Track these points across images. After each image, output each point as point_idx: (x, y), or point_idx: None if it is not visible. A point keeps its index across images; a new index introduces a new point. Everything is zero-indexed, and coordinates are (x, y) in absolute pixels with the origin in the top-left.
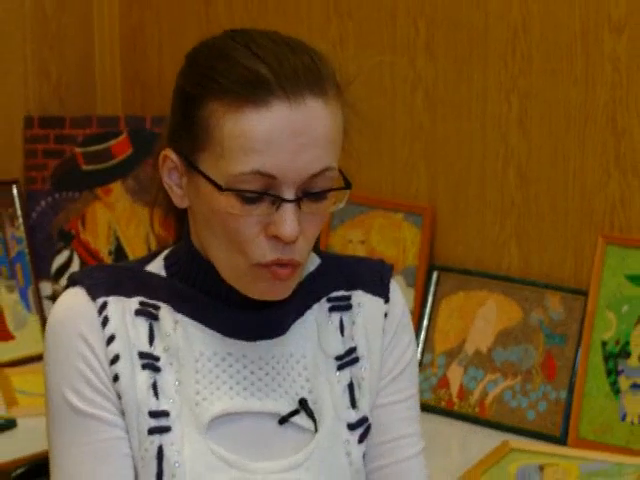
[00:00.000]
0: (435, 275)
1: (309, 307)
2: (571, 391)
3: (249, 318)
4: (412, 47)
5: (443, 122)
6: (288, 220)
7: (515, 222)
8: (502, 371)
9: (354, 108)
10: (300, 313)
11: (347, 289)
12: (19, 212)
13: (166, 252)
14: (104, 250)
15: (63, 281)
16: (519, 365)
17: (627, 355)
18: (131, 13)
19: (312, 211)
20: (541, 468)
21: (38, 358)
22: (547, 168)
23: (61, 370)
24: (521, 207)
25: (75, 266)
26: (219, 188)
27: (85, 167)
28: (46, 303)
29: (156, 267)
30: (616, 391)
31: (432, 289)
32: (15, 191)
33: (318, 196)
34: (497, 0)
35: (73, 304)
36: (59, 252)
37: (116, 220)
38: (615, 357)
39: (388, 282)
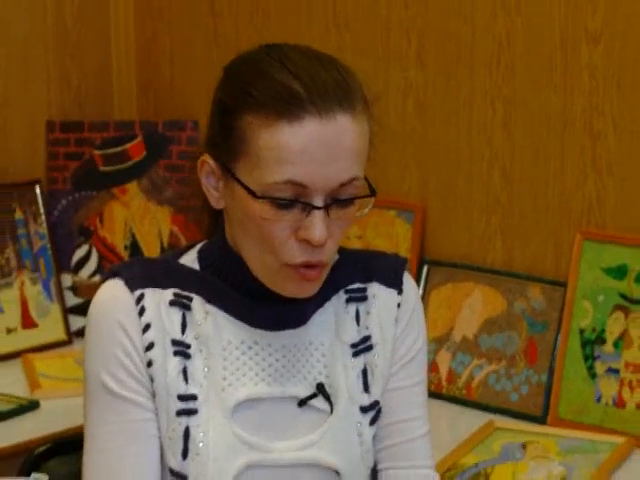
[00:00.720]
0: (425, 268)
1: (328, 299)
2: (551, 375)
3: (274, 310)
4: (404, 57)
5: (433, 126)
6: (317, 225)
7: (500, 219)
8: (487, 356)
9: (379, 121)
10: (320, 304)
11: (363, 281)
12: (42, 210)
13: (199, 246)
14: (120, 245)
15: (83, 273)
16: (503, 351)
17: (603, 342)
18: (145, 26)
19: (339, 216)
20: (523, 445)
21: (59, 344)
22: (529, 169)
23: (100, 355)
24: (505, 205)
25: (93, 260)
26: (254, 195)
27: (103, 168)
28: (67, 293)
29: (189, 260)
30: (592, 375)
31: (423, 281)
32: (38, 190)
33: (345, 203)
34: (483, 14)
35: (112, 295)
36: (79, 247)
37: (131, 217)
38: (592, 343)
39: (402, 275)
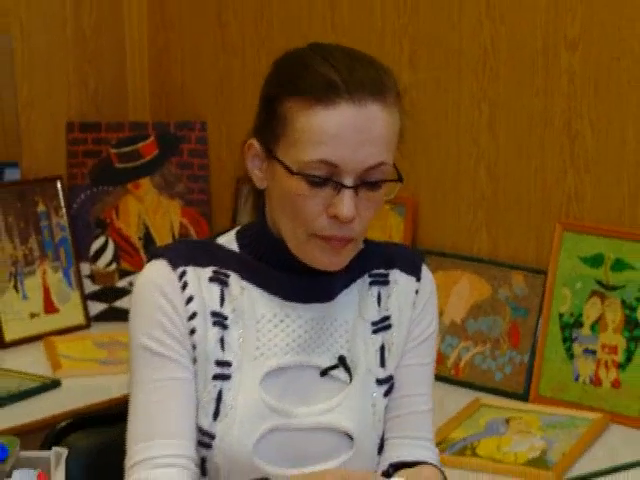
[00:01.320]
0: None
1: (354, 280)
2: (532, 356)
3: (305, 284)
4: (397, 62)
5: (424, 126)
6: (346, 203)
7: (485, 212)
8: (474, 339)
9: (409, 115)
10: (346, 285)
11: (386, 268)
12: (62, 204)
13: (238, 228)
14: (135, 236)
15: (100, 262)
16: (488, 334)
17: (580, 325)
18: (157, 35)
19: (368, 197)
20: (507, 421)
21: (79, 328)
22: (512, 166)
23: (144, 321)
24: (490, 199)
25: (110, 250)
26: (290, 172)
27: (118, 165)
28: (85, 281)
29: (227, 241)
30: (570, 356)
31: None
32: (59, 186)
33: (373, 185)
34: (469, 22)
35: (157, 272)
36: (96, 238)
37: (145, 210)
38: (570, 327)
39: (420, 265)
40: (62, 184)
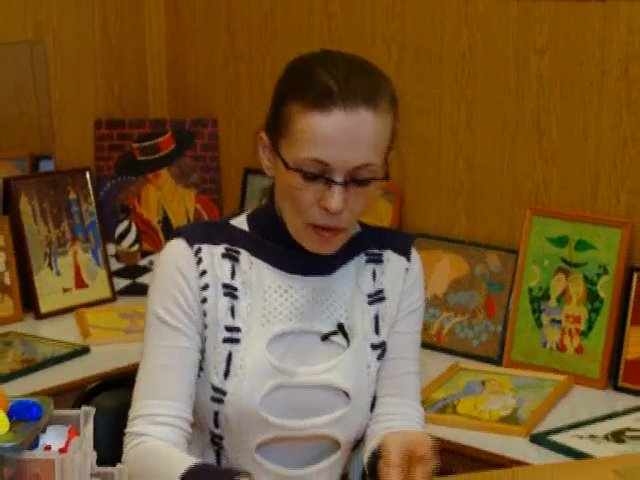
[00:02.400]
0: None
1: (351, 258)
2: (505, 325)
3: (306, 259)
4: (386, 67)
5: (409, 124)
6: (335, 197)
7: (463, 199)
8: (454, 310)
9: (403, 122)
10: (345, 261)
11: (380, 248)
12: (91, 192)
13: (249, 211)
14: (154, 220)
15: (124, 243)
16: (466, 306)
17: (547, 298)
18: (174, 43)
19: (356, 193)
20: (483, 382)
21: (105, 301)
22: (488, 159)
23: (160, 294)
24: (468, 188)
25: (133, 232)
26: (287, 166)
27: (140, 158)
28: (111, 260)
29: (239, 222)
30: (539, 325)
31: None
32: (88, 176)
33: (361, 183)
34: (450, 31)
35: (176, 248)
36: (121, 222)
37: (163, 198)
38: (538, 300)
39: (410, 247)
40: (90, 175)
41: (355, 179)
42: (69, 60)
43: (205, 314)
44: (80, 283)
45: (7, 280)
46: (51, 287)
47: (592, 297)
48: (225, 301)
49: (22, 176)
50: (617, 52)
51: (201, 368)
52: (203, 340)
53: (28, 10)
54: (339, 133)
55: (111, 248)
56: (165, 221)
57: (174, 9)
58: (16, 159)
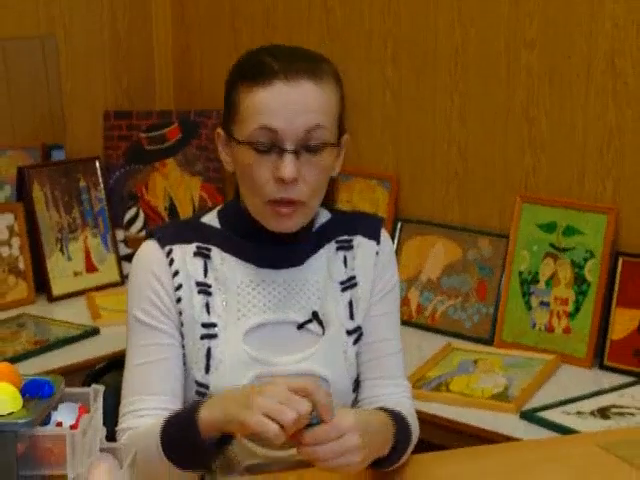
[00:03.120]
0: (399, 225)
1: (322, 247)
2: (497, 307)
3: (276, 253)
4: (382, 59)
5: (405, 114)
6: (288, 165)
7: (456, 187)
8: (447, 293)
9: (398, 113)
10: (315, 251)
11: (350, 234)
12: (100, 180)
13: (219, 207)
14: (161, 207)
15: (132, 229)
16: (459, 289)
17: (536, 281)
18: (180, 37)
19: (310, 162)
20: (475, 362)
21: (114, 284)
22: (480, 148)
23: (136, 297)
24: (461, 176)
25: (141, 219)
26: (238, 142)
27: (147, 147)
28: (120, 245)
29: (210, 219)
30: (528, 307)
31: (397, 235)
32: (98, 165)
33: (313, 149)
34: (444, 26)
35: (148, 251)
36: (129, 208)
37: (169, 186)
38: (528, 283)
39: (379, 230)
40: (100, 163)
41: (306, 146)
42: (79, 54)
43: (181, 313)
44: (90, 267)
45: (21, 264)
46: (63, 271)
47: (579, 280)
48: (199, 299)
49: (35, 165)
50: (603, 46)
51: (184, 364)
52: (182, 337)
53: (40, 6)
54: (283, 102)
55: (120, 234)
56: (171, 208)
57: (180, 5)
58: (29, 148)
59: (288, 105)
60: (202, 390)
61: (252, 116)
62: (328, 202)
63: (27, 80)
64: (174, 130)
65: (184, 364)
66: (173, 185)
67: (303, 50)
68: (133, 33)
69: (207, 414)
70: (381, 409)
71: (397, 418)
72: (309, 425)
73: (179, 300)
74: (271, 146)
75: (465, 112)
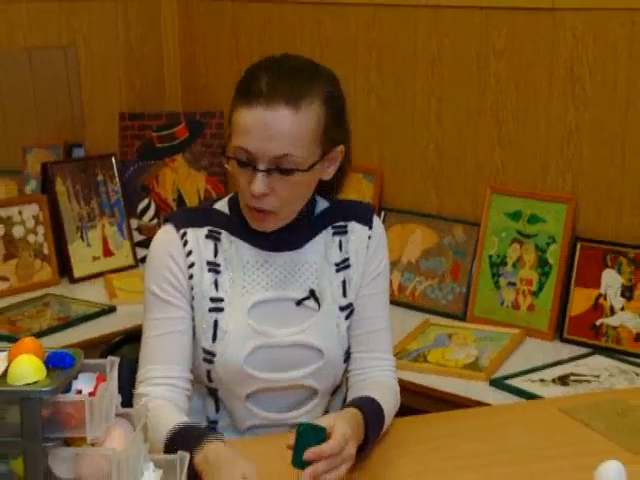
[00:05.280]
0: (383, 213)
1: (319, 232)
2: (469, 287)
3: (278, 237)
4: (367, 66)
5: (388, 115)
6: (257, 183)
7: (434, 180)
8: (425, 275)
9: (382, 114)
10: (313, 236)
11: (345, 221)
12: (116, 174)
13: (230, 195)
14: (170, 198)
15: (145, 218)
16: (436, 271)
17: (505, 264)
18: (187, 46)
19: (281, 180)
20: (449, 336)
21: (129, 267)
22: (454, 145)
23: (153, 274)
24: (438, 170)
25: (152, 209)
26: (226, 156)
27: (158, 145)
28: (134, 232)
29: (221, 205)
30: (497, 287)
31: (380, 222)
32: (114, 161)
33: (283, 172)
34: (422, 36)
35: (165, 234)
36: (142, 200)
37: (178, 179)
38: (497, 265)
39: (372, 216)
40: (116, 159)
41: (278, 168)
42: (97, 62)
43: (192, 288)
44: (107, 252)
45: (46, 250)
46: (83, 256)
47: (542, 263)
48: (209, 276)
49: (57, 161)
50: (563, 55)
51: (193, 334)
52: (193, 310)
53: (62, 19)
54: (259, 125)
55: (134, 222)
56: (179, 199)
57: (186, 17)
58: (52, 147)
59: (263, 130)
60: (208, 357)
61: (235, 134)
62: (337, 193)
63: (50, 85)
64: (182, 129)
65: (193, 335)
66: (181, 179)
67: (299, 68)
68: (145, 43)
69: (197, 461)
70: (352, 404)
71: (367, 409)
72: (305, 438)
73: (191, 277)
74: (247, 163)
75: (441, 113)
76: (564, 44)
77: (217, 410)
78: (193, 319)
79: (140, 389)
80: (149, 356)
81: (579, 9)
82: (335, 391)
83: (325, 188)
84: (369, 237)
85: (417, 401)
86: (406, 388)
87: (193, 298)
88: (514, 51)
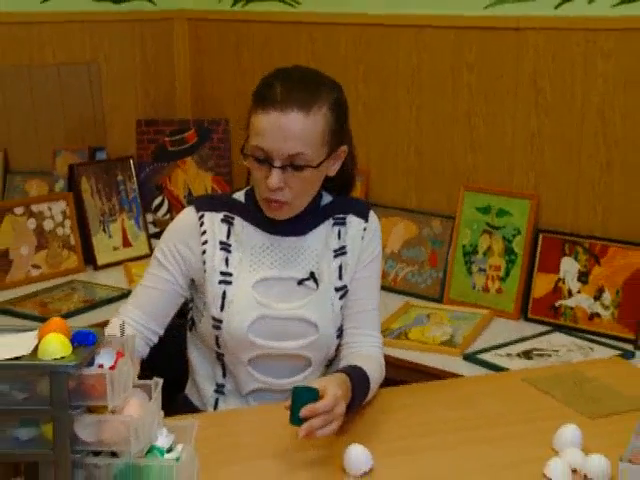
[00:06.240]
0: None
1: (321, 223)
2: (445, 273)
3: (285, 225)
4: (355, 79)
5: (373, 122)
6: (273, 177)
7: (414, 178)
8: (407, 262)
9: (369, 122)
10: (315, 225)
11: (344, 214)
12: (134, 174)
13: (248, 187)
14: (181, 195)
15: (159, 213)
16: (416, 259)
17: (476, 253)
18: (196, 60)
19: (295, 175)
20: (428, 316)
21: (146, 256)
22: (432, 148)
23: (165, 242)
24: (417, 170)
25: (165, 205)
26: (244, 154)
27: (170, 148)
28: (149, 226)
29: (239, 195)
30: (470, 272)
31: None
32: (131, 163)
33: (296, 168)
34: (403, 52)
35: (187, 214)
36: (156, 197)
37: (188, 179)
38: (469, 254)
39: (368, 211)
40: (133, 162)
41: (292, 164)
42: (116, 75)
43: (205, 262)
44: (126, 243)
45: (72, 241)
46: (105, 246)
47: (509, 252)
48: (221, 253)
49: (82, 163)
50: (527, 68)
51: (204, 304)
52: (189, 282)
53: (85, 38)
54: (275, 128)
55: (149, 217)
56: (189, 196)
57: (196, 35)
58: (78, 150)
59: (279, 131)
60: (216, 324)
61: (253, 135)
62: (350, 192)
63: (76, 96)
64: (191, 135)
65: (204, 304)
66: (191, 178)
67: (308, 77)
68: (159, 59)
69: None
70: (342, 371)
71: (355, 375)
72: (300, 398)
73: (204, 252)
74: (264, 160)
75: (420, 120)
76: (527, 59)
77: (224, 375)
78: (203, 291)
79: (115, 318)
80: (133, 299)
81: (541, 28)
82: (330, 364)
83: (338, 187)
84: (364, 229)
85: (400, 374)
86: (390, 362)
87: (205, 271)
88: (484, 65)
